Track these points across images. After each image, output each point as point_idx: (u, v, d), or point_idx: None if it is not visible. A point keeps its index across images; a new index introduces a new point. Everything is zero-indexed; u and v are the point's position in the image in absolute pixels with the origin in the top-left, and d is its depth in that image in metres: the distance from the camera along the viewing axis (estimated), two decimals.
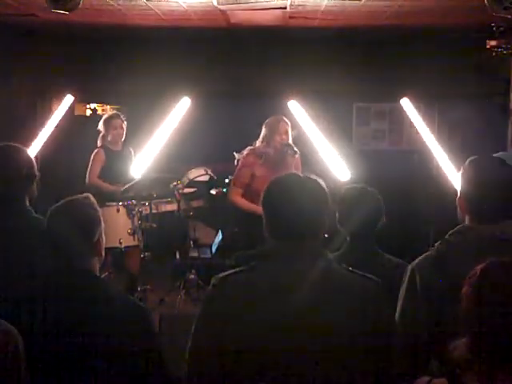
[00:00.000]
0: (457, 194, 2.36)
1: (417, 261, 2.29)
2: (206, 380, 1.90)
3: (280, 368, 1.84)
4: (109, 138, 5.91)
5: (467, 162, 2.32)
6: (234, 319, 1.87)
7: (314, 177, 2.04)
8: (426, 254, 2.29)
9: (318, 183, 2.02)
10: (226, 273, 1.98)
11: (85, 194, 2.34)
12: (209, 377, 1.90)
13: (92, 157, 5.87)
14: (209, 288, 1.98)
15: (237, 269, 1.98)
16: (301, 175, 2.05)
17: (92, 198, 2.32)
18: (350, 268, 1.99)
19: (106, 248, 2.37)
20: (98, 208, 2.31)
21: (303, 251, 1.94)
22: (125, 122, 5.96)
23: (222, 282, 1.95)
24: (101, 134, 5.97)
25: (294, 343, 1.83)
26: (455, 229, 2.28)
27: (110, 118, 5.98)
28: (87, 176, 5.83)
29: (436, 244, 2.27)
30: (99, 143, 5.96)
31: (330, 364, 1.84)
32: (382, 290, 1.98)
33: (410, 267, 2.28)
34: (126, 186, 5.64)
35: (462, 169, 2.34)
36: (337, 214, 2.89)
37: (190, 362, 1.94)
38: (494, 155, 2.78)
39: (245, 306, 1.88)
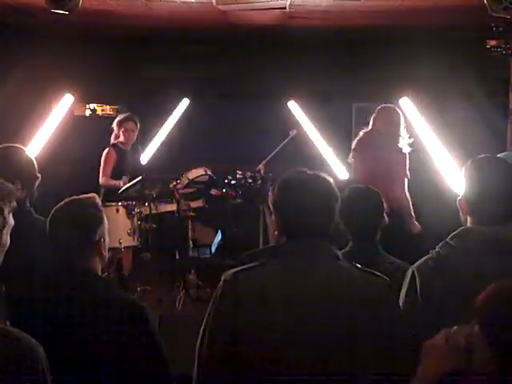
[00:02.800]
0: (457, 195, 2.34)
1: (417, 264, 2.27)
2: (219, 375, 1.91)
3: (293, 362, 1.85)
4: (120, 139, 5.94)
5: (469, 163, 2.29)
6: (246, 314, 1.89)
7: (324, 175, 2.04)
8: (427, 256, 2.27)
9: (328, 181, 2.03)
10: (237, 269, 1.99)
11: (89, 194, 2.34)
12: (222, 372, 1.90)
13: (103, 157, 5.88)
14: (220, 284, 1.99)
15: (248, 265, 1.99)
16: (311, 173, 2.04)
17: (96, 198, 2.32)
18: (359, 266, 2.00)
19: None
20: (102, 208, 2.31)
21: (313, 248, 1.96)
22: (138, 125, 5.98)
23: (233, 277, 1.96)
24: (114, 133, 5.99)
25: (306, 339, 1.85)
26: (456, 231, 2.25)
27: (124, 119, 5.98)
28: (100, 176, 5.83)
29: (437, 247, 2.25)
30: (111, 141, 5.98)
31: (341, 359, 1.86)
32: (392, 288, 2.00)
33: (410, 270, 2.27)
34: (125, 187, 5.63)
35: (463, 169, 2.31)
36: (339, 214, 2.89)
37: (202, 358, 1.94)
38: (497, 156, 2.76)
39: (257, 301, 1.90)
